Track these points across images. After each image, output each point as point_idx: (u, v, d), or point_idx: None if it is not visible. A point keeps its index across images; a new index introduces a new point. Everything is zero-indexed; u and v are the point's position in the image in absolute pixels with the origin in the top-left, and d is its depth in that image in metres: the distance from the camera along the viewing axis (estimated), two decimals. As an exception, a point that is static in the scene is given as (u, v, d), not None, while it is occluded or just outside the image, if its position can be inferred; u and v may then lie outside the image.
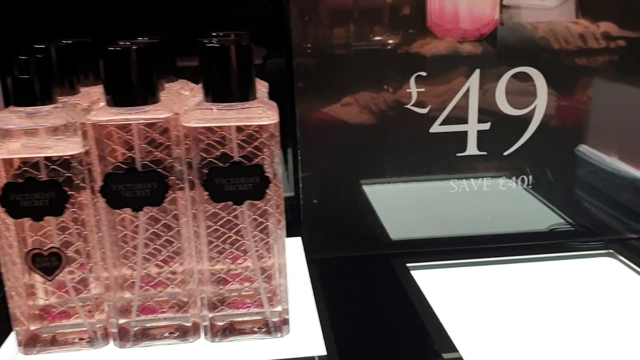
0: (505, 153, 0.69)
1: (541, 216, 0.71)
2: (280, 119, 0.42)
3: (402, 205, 0.70)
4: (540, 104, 0.68)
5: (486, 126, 0.68)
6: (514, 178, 0.70)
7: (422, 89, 0.66)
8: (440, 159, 0.68)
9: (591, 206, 0.73)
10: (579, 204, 0.73)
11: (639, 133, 0.73)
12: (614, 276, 0.65)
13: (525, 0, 0.65)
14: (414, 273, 0.65)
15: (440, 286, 0.63)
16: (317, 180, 0.68)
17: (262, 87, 0.51)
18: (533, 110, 0.68)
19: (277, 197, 0.43)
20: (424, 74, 0.65)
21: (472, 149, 0.68)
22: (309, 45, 0.64)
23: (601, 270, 0.67)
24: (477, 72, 0.66)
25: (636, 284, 0.63)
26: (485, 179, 0.70)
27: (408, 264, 0.66)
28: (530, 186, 0.70)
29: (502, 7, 0.65)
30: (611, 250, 0.69)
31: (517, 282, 0.64)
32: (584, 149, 0.72)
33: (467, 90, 0.66)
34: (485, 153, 0.68)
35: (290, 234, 0.69)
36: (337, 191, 0.69)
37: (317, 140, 0.67)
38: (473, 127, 0.68)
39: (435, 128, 0.67)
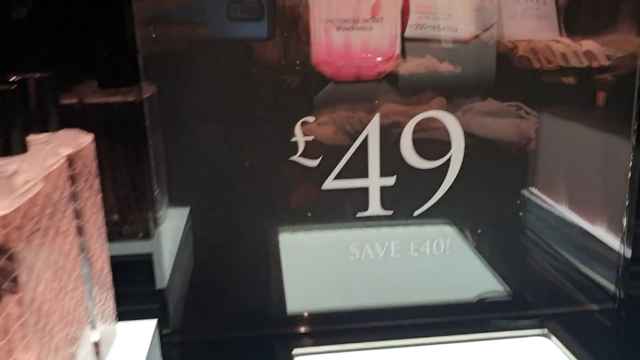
0: (416, 212, 0.57)
1: (460, 287, 0.60)
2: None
3: (295, 274, 0.59)
4: (456, 154, 0.57)
5: (390, 181, 0.56)
6: (427, 242, 0.58)
7: (310, 137, 0.55)
8: (336, 220, 0.57)
9: (523, 273, 0.62)
10: (509, 271, 0.62)
11: (588, 179, 0.62)
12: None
13: (432, 31, 0.54)
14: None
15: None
16: (188, 240, 0.57)
17: (67, 147, 0.41)
18: (448, 161, 0.57)
19: (29, 307, 0.32)
20: (311, 119, 0.54)
21: (375, 207, 0.57)
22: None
23: (532, 356, 0.55)
24: (377, 117, 0.55)
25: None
26: (393, 243, 0.58)
27: (295, 350, 0.55)
28: (448, 251, 0.59)
29: (404, 40, 0.54)
30: (546, 330, 0.58)
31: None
32: (527, 196, 0.61)
33: (366, 139, 0.55)
34: (390, 212, 0.57)
35: (145, 311, 0.58)
36: (213, 255, 0.58)
37: (189, 191, 0.56)
38: (375, 182, 0.56)
39: (329, 184, 0.56)
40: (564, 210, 0.63)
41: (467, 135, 0.57)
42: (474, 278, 0.61)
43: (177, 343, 0.56)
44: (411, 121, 0.55)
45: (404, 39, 0.54)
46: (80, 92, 0.67)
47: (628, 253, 0.61)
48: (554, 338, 0.57)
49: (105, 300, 0.47)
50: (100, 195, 0.47)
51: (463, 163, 0.56)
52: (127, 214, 0.66)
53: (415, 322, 0.58)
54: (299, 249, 0.58)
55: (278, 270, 0.59)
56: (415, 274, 0.59)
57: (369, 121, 0.55)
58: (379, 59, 0.53)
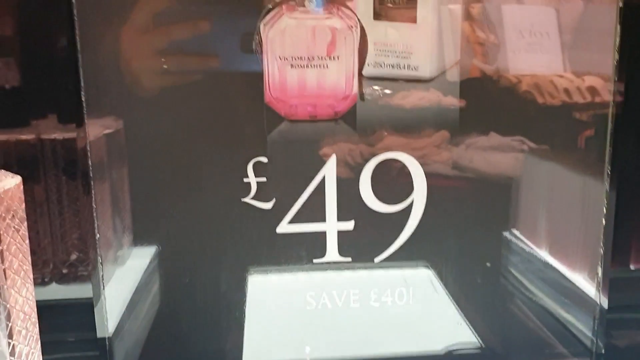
0: (377, 259, 0.54)
1: (426, 339, 0.56)
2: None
3: (251, 323, 0.55)
4: (419, 198, 0.54)
5: (349, 225, 0.53)
6: (389, 290, 0.55)
7: (264, 179, 0.52)
8: (291, 266, 0.54)
9: (496, 323, 0.58)
10: (479, 321, 0.58)
11: (569, 223, 0.59)
12: None
13: (391, 70, 0.52)
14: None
15: None
16: (151, 283, 0.54)
17: None
18: (410, 206, 0.54)
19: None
20: (264, 159, 0.52)
21: (332, 253, 0.54)
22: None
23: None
24: (333, 158, 0.52)
25: None
26: (351, 291, 0.55)
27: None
28: (411, 301, 0.55)
29: (362, 78, 0.51)
30: (515, 388, 0.54)
31: None
32: (508, 239, 0.57)
33: (322, 181, 0.52)
34: (349, 259, 0.54)
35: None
36: (174, 300, 0.55)
37: (154, 230, 0.54)
38: (332, 226, 0.53)
39: (284, 227, 0.53)
40: (544, 255, 0.60)
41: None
42: (442, 328, 0.57)
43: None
44: (371, 161, 0.52)
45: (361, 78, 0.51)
46: (40, 127, 0.65)
47: (604, 303, 0.57)
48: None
49: (29, 355, 0.44)
50: (26, 241, 0.44)
51: (438, 205, 0.54)
52: (85, 255, 0.63)
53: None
54: (255, 296, 0.55)
55: (237, 319, 0.56)
56: (377, 325, 0.55)
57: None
58: (335, 98, 0.51)
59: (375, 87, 0.52)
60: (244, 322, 0.55)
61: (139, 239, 0.55)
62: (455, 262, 0.57)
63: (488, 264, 0.57)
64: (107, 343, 0.53)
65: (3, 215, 0.40)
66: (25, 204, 0.47)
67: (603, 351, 0.57)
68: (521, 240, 0.59)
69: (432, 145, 0.53)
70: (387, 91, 0.52)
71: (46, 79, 0.54)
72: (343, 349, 0.55)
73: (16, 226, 0.42)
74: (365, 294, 0.55)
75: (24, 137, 0.62)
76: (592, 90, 0.56)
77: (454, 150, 0.54)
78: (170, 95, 0.51)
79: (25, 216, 0.43)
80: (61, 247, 0.64)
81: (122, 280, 0.55)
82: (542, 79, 0.55)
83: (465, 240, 0.57)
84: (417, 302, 0.55)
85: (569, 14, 0.55)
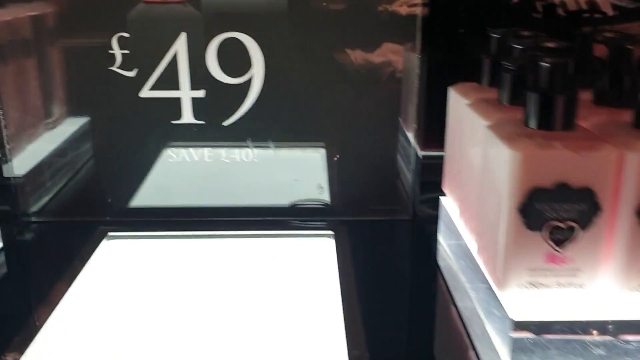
0: (225, 123, 0.65)
1: (262, 191, 0.68)
2: None
3: (120, 171, 0.68)
4: (258, 74, 0.64)
5: (200, 93, 0.64)
6: (236, 150, 0.67)
7: (127, 51, 0.63)
8: (154, 125, 0.66)
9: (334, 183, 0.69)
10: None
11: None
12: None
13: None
14: (112, 242, 0.64)
15: (130, 257, 0.61)
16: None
17: None
18: (250, 80, 0.64)
19: None
20: (126, 35, 0.62)
21: (188, 117, 0.65)
22: None
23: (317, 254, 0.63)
24: (183, 35, 0.62)
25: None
26: (206, 149, 0.66)
27: (111, 233, 0.65)
28: (255, 159, 0.67)
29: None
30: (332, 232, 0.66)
31: (218, 258, 0.61)
32: None
33: (175, 55, 0.63)
34: (203, 122, 0.65)
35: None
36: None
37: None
38: (186, 94, 0.64)
39: (146, 93, 0.64)
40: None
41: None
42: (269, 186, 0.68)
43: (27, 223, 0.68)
44: (215, 39, 0.62)
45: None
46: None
47: (420, 153, 0.68)
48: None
49: None
50: None
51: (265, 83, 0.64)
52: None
53: (219, 219, 0.67)
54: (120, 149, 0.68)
55: (106, 166, 0.69)
56: (226, 177, 0.67)
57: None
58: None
59: None
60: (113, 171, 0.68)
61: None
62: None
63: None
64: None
65: None
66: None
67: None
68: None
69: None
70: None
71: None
72: (199, 198, 0.68)
73: None
74: (216, 151, 0.66)
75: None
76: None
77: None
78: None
79: None
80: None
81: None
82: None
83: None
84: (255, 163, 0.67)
85: None
